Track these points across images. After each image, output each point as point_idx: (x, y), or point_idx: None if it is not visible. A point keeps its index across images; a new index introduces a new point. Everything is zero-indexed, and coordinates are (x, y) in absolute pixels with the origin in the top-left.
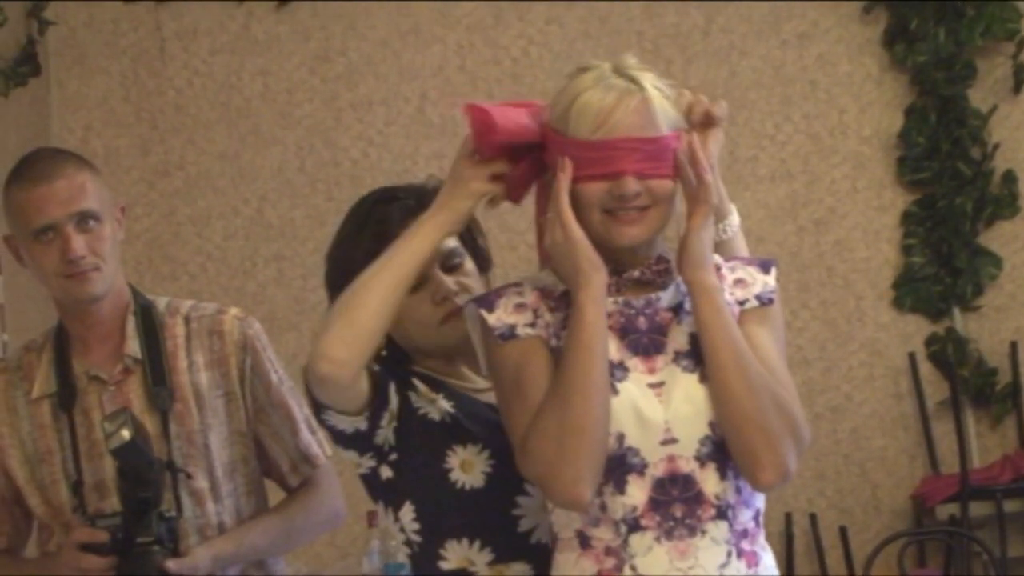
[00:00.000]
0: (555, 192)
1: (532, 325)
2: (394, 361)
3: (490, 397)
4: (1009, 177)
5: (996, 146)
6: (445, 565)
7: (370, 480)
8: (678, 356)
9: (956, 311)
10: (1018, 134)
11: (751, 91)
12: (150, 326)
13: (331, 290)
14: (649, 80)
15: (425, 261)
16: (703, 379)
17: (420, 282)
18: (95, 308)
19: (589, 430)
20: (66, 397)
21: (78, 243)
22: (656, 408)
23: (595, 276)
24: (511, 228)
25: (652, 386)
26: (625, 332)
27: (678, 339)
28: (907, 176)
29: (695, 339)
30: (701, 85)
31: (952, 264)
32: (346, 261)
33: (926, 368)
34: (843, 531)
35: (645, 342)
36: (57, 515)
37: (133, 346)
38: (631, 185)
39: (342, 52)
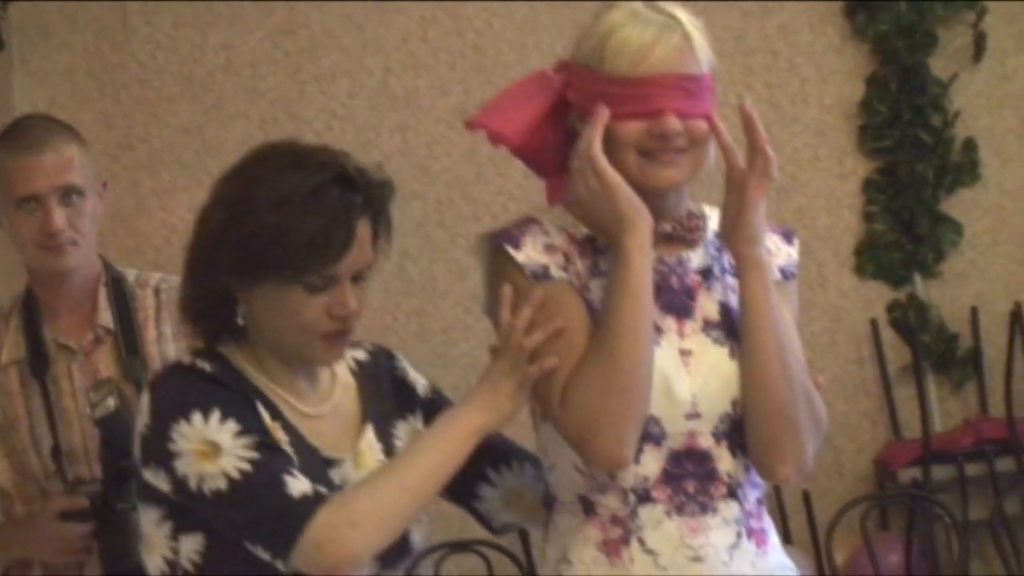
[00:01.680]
0: (586, 137)
1: (565, 270)
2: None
3: (321, 428)
4: (970, 145)
5: (957, 114)
6: None
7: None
8: (708, 326)
9: (917, 277)
10: (978, 102)
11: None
12: (122, 298)
13: (235, 260)
14: (685, 16)
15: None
16: (733, 354)
17: (326, 285)
18: (67, 279)
19: (635, 385)
20: (38, 364)
21: (59, 217)
22: (684, 380)
23: (639, 220)
24: (475, 199)
25: (683, 353)
26: (659, 289)
27: (708, 307)
28: (868, 144)
29: (725, 310)
30: None
31: (913, 231)
32: (283, 238)
33: (888, 334)
34: (806, 496)
35: (678, 303)
36: (24, 482)
37: (105, 316)
38: (674, 123)
39: (305, 25)
